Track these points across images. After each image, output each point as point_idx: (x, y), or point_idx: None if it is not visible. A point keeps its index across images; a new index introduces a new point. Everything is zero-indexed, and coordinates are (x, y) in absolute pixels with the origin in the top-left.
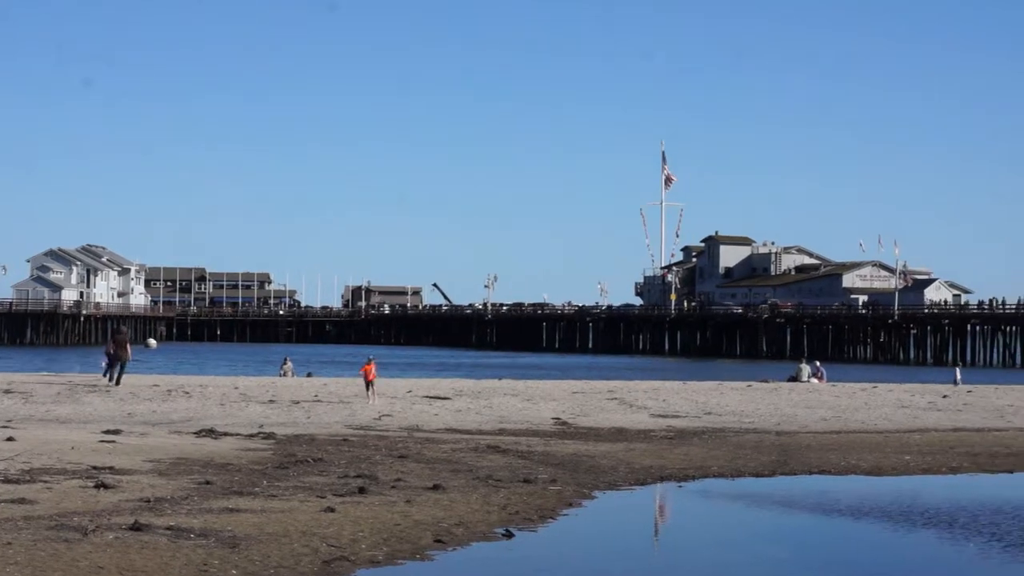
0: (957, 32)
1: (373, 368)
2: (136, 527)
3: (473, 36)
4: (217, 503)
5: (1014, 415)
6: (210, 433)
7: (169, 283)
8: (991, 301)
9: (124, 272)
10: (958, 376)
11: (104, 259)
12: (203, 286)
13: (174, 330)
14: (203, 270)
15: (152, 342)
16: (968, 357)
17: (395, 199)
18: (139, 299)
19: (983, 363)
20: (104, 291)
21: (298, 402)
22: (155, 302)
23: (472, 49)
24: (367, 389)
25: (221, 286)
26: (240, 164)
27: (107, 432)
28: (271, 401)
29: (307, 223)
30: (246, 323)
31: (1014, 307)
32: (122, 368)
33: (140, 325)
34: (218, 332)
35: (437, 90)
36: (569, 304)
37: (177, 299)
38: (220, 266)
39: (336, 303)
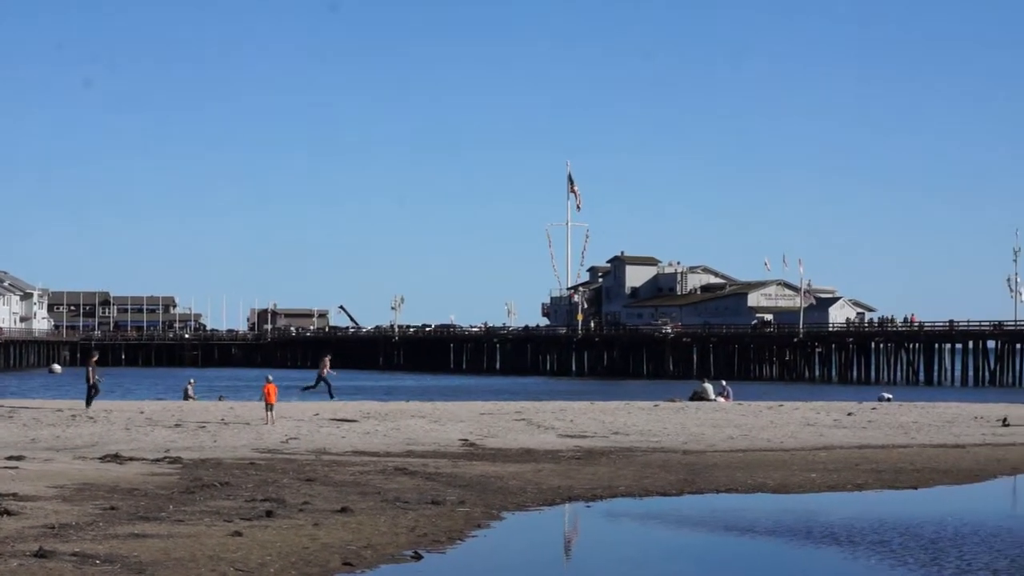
0: (856, 55)
1: (273, 389)
2: (41, 554)
3: (376, 50)
4: (123, 528)
5: (918, 432)
6: (115, 458)
7: (73, 307)
8: (891, 318)
9: (26, 296)
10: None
11: (6, 283)
12: (107, 310)
13: (78, 355)
14: (107, 294)
15: (57, 367)
16: (872, 375)
17: (300, 221)
18: (42, 324)
19: (887, 380)
20: (6, 316)
21: (204, 426)
22: (58, 327)
23: (374, 64)
24: (267, 411)
25: (126, 310)
26: (144, 186)
27: (9, 458)
28: (177, 425)
29: (212, 246)
30: (151, 347)
31: (909, 324)
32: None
33: (43, 350)
34: (123, 356)
35: (340, 109)
36: (485, 324)
37: (81, 323)
38: (124, 290)
39: (242, 326)
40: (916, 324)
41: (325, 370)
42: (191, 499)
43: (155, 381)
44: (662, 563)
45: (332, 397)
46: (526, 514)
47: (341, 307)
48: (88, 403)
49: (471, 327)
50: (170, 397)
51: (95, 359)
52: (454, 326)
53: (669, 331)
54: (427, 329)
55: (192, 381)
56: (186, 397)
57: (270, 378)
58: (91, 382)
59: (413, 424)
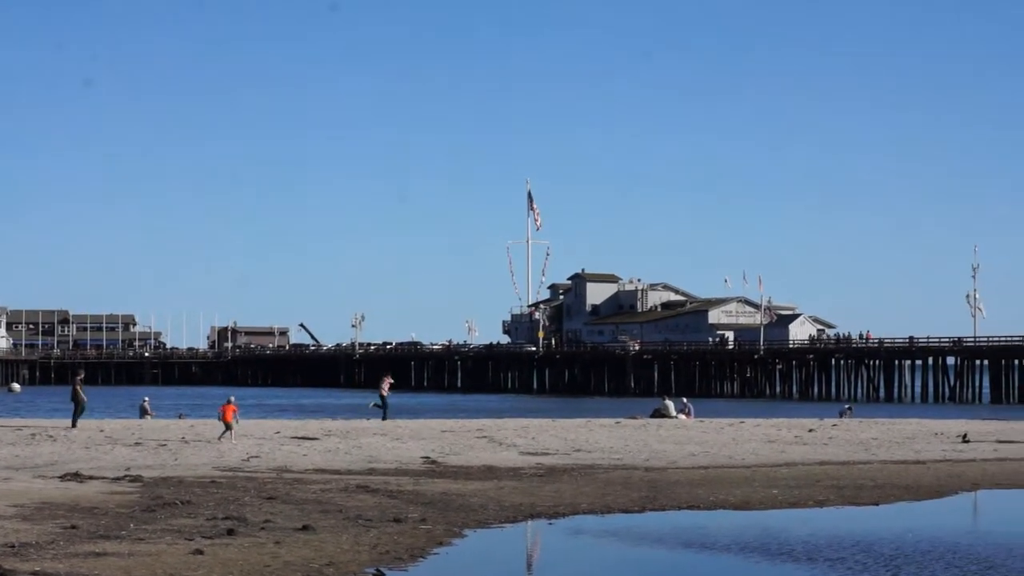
0: (815, 73)
1: (232, 409)
2: (1, 572)
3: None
4: (83, 547)
5: (878, 448)
6: (75, 477)
7: (31, 326)
8: (847, 335)
9: None
10: (849, 414)
11: None
12: (66, 328)
13: (37, 373)
14: (66, 312)
15: (16, 386)
16: (832, 391)
17: (260, 239)
18: (0, 342)
19: (847, 397)
20: None
21: (165, 444)
22: (17, 345)
23: (343, 83)
24: (227, 430)
25: (85, 328)
26: (103, 204)
27: None
28: (138, 444)
29: (172, 264)
30: (111, 365)
31: (864, 341)
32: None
33: (1, 369)
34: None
35: (307, 126)
36: (450, 342)
37: (40, 342)
38: (84, 308)
39: (202, 344)
40: (872, 340)
41: (385, 389)
42: (152, 517)
43: (115, 400)
44: None
45: (384, 419)
46: (488, 531)
47: (302, 325)
48: (74, 422)
49: (433, 344)
50: (130, 415)
51: (81, 376)
52: (419, 344)
53: (634, 348)
54: (388, 347)
55: (147, 399)
56: (143, 415)
57: (231, 398)
58: (79, 400)
59: (374, 442)
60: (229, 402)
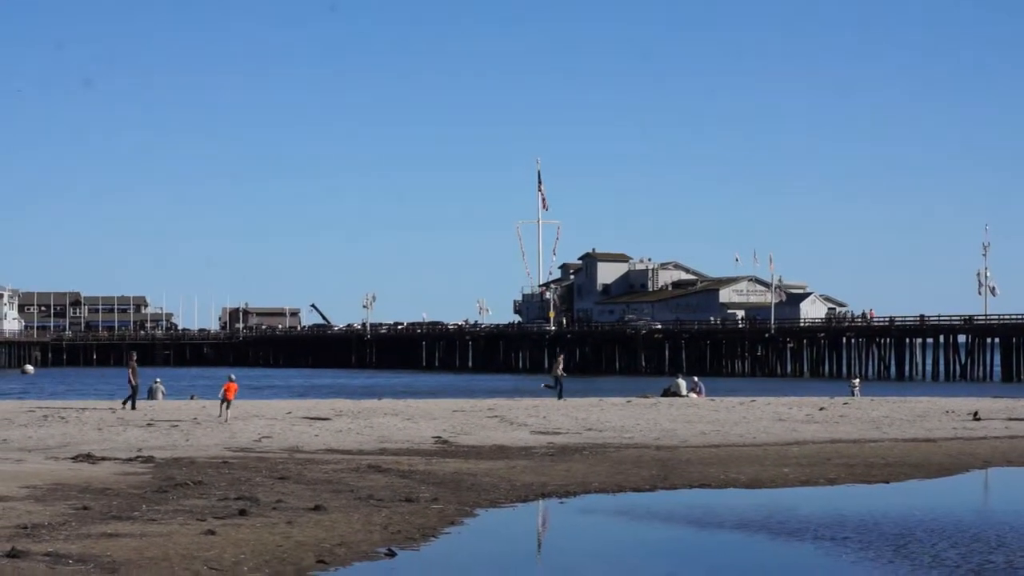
0: (825, 54)
1: (233, 387)
2: (13, 554)
3: (343, 53)
4: (96, 528)
5: (889, 426)
6: (87, 458)
7: (43, 308)
8: (863, 313)
9: None
10: (857, 389)
11: None
12: (78, 310)
13: (49, 355)
14: (78, 294)
15: (29, 368)
16: (844, 370)
17: (272, 220)
18: (12, 324)
19: (858, 375)
20: None
21: (177, 425)
22: (29, 327)
23: (346, 67)
24: (223, 406)
25: (97, 310)
26: (115, 186)
27: None
28: (149, 424)
29: (183, 246)
30: (122, 347)
31: (866, 320)
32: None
33: (14, 351)
34: (94, 356)
35: (307, 110)
36: (467, 322)
37: (52, 324)
38: (95, 290)
39: (214, 325)
40: (881, 319)
41: (559, 369)
42: (164, 498)
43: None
44: (636, 559)
45: (560, 398)
46: (499, 511)
47: (313, 306)
48: (133, 404)
49: (465, 322)
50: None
51: (135, 359)
52: (440, 323)
53: (654, 324)
54: (399, 327)
55: (158, 380)
56: (151, 396)
57: (232, 376)
58: (133, 383)
59: (386, 422)
60: (231, 380)
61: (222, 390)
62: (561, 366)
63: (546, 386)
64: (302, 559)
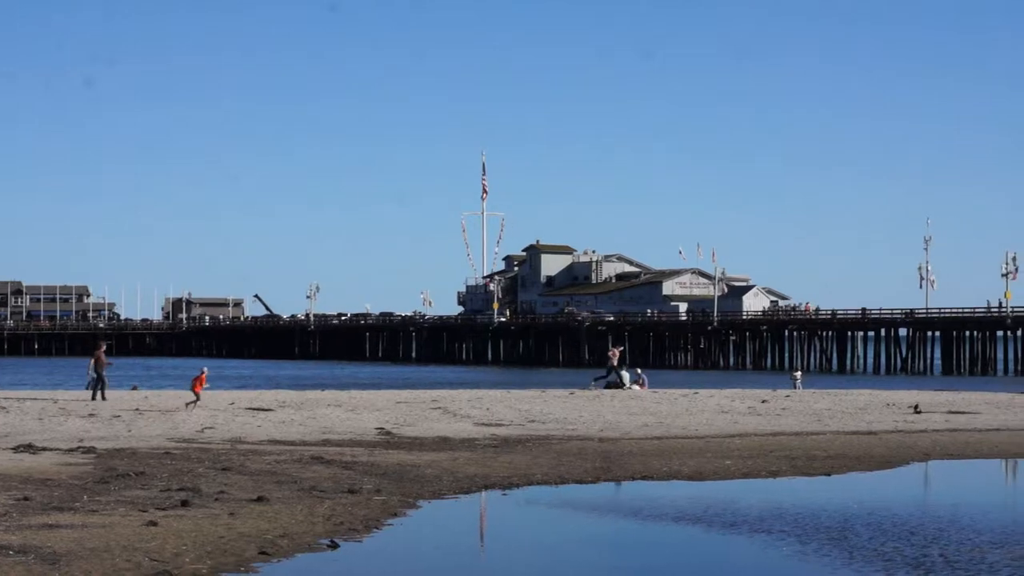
0: (768, 38)
1: (203, 379)
2: None
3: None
4: (36, 519)
5: (830, 419)
6: (28, 448)
7: None
8: (794, 307)
9: None
10: (798, 381)
11: None
12: (20, 300)
13: None
14: (19, 283)
15: None
16: (786, 362)
17: (215, 210)
18: None
19: (800, 368)
20: None
21: (119, 416)
22: None
23: (281, 52)
24: (196, 399)
25: (38, 299)
26: (55, 175)
27: None
28: (91, 415)
29: (126, 235)
30: (64, 336)
31: (801, 312)
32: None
33: None
34: (36, 346)
35: (247, 95)
36: (416, 313)
37: None
38: (37, 279)
39: (157, 316)
40: (809, 313)
41: (615, 361)
42: (105, 489)
43: (69, 371)
44: (578, 550)
45: (615, 386)
46: (442, 502)
47: (256, 296)
48: (103, 395)
49: (417, 312)
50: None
51: (103, 349)
52: (391, 313)
53: (607, 316)
54: (343, 318)
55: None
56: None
57: (204, 369)
58: (92, 374)
59: (329, 413)
60: (203, 372)
61: (195, 380)
62: (617, 358)
63: (598, 379)
64: (244, 550)
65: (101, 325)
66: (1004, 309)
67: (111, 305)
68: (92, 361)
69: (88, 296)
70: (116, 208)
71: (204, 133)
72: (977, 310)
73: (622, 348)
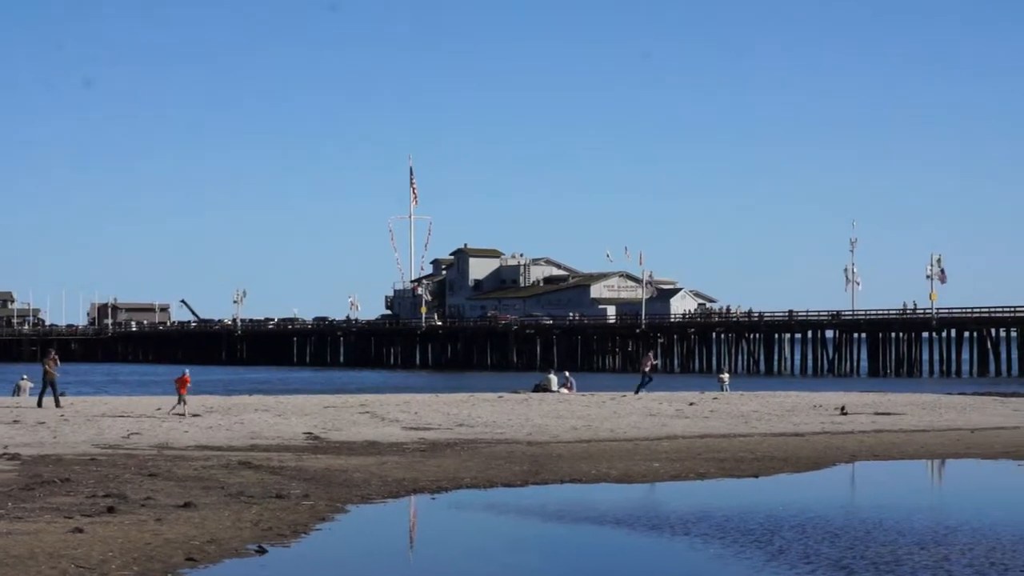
0: (694, 39)
1: (186, 382)
2: None
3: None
4: None
5: (758, 421)
6: None
7: None
8: (718, 310)
9: None
10: (726, 383)
11: None
12: None
13: None
14: None
15: None
16: (713, 364)
17: (143, 214)
18: None
19: (728, 370)
20: None
21: (44, 422)
22: None
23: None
24: (179, 402)
25: None
26: None
27: None
28: (15, 421)
29: (50, 240)
30: None
31: (725, 316)
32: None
33: None
34: None
35: (195, 103)
36: (349, 318)
37: None
38: None
39: (82, 321)
40: (733, 316)
41: (648, 366)
42: (30, 496)
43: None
44: (506, 554)
45: (636, 392)
46: (371, 507)
47: (183, 301)
48: (56, 401)
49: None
50: (5, 394)
51: (53, 355)
52: (326, 318)
53: (543, 319)
54: (270, 323)
55: (25, 377)
56: (17, 393)
57: (186, 371)
58: (51, 380)
59: (257, 418)
60: (185, 375)
61: (177, 383)
62: (651, 363)
63: (637, 388)
64: (171, 556)
65: (26, 331)
66: (929, 311)
67: (36, 311)
68: (44, 368)
69: (12, 302)
70: (40, 213)
71: (128, 137)
72: (904, 312)
73: (653, 353)
